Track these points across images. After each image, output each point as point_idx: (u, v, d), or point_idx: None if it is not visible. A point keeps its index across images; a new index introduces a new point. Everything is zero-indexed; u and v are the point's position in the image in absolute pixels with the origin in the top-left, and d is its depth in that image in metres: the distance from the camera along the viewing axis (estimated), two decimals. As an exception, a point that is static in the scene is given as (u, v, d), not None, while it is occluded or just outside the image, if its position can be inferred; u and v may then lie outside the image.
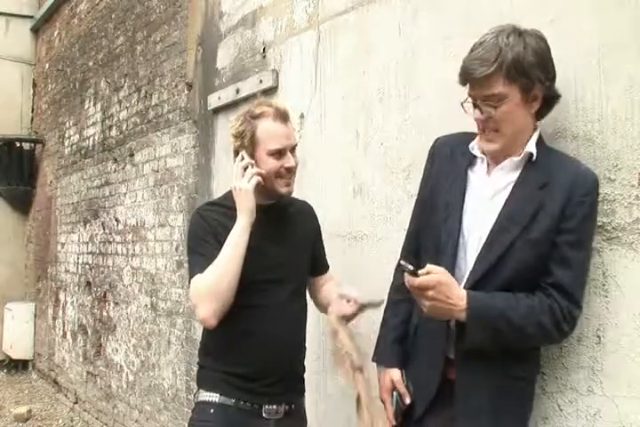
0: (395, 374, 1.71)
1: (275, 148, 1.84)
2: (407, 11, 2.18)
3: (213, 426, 1.86)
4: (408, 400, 1.66)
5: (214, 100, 3.44)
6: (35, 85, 7.85)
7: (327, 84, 2.59)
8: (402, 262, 1.50)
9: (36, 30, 7.89)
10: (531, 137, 1.54)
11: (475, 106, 1.52)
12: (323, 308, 2.05)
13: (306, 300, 2.03)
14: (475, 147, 1.61)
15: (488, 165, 1.60)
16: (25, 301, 7.48)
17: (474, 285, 1.51)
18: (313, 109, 2.64)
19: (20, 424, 5.34)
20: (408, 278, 1.47)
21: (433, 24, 2.07)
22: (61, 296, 6.31)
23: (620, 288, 1.49)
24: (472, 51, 1.50)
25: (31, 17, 7.82)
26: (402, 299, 1.74)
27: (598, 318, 1.53)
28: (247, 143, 1.86)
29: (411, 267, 1.46)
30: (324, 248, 2.14)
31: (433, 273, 1.45)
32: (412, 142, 2.13)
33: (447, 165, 1.67)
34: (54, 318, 6.51)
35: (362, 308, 1.83)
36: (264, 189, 1.88)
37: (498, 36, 1.45)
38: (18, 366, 7.26)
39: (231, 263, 1.76)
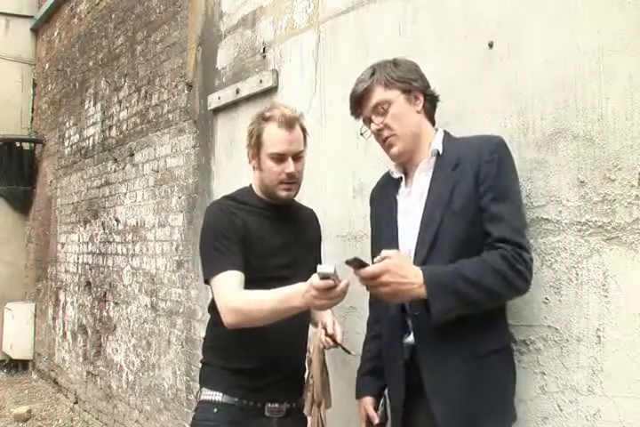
0: (365, 400, 1.83)
1: (274, 151, 1.87)
2: (407, 10, 2.18)
3: (216, 425, 1.87)
4: (376, 421, 1.78)
5: (214, 100, 3.44)
6: (35, 85, 7.85)
7: (327, 84, 2.59)
8: (347, 260, 1.41)
9: (36, 30, 7.89)
10: (434, 139, 1.69)
11: (369, 122, 1.70)
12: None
13: None
14: (392, 169, 1.75)
15: (406, 182, 1.72)
16: (25, 301, 7.49)
17: None
18: (313, 109, 2.64)
19: (20, 424, 5.34)
20: (358, 272, 1.43)
21: (432, 24, 2.07)
22: (61, 296, 6.32)
23: (620, 288, 1.49)
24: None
25: (31, 17, 7.83)
26: (374, 335, 1.88)
27: (598, 318, 1.53)
28: (253, 143, 1.92)
29: (358, 259, 1.41)
30: (321, 258, 2.18)
31: (386, 257, 1.45)
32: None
33: (382, 205, 1.80)
34: (54, 318, 6.51)
35: (337, 346, 1.87)
36: (266, 192, 1.93)
37: (372, 65, 1.72)
38: (18, 366, 7.27)
39: (272, 317, 1.68)
